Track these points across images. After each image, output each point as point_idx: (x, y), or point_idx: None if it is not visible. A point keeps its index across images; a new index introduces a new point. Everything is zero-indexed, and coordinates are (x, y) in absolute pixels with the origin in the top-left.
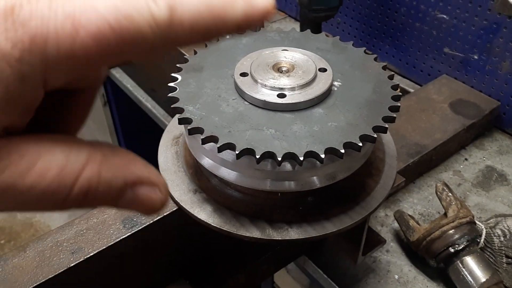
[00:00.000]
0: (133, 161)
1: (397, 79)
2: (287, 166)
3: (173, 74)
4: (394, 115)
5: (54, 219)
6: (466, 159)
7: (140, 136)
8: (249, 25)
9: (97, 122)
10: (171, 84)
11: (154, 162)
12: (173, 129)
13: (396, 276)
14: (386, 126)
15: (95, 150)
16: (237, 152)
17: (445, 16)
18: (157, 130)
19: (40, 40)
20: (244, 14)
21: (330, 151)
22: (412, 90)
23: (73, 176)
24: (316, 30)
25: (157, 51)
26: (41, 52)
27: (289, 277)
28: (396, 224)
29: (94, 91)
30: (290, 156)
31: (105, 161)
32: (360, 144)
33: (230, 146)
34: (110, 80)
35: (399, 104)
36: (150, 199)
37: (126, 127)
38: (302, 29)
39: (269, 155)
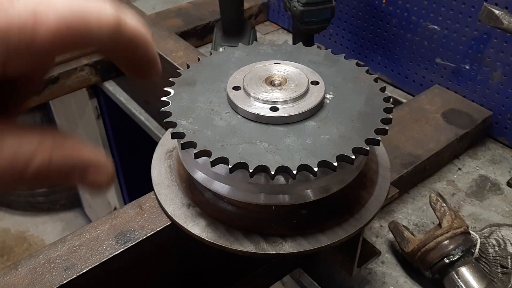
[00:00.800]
0: (82, 146)
1: (390, 90)
2: (281, 179)
3: (166, 88)
4: (387, 127)
5: (48, 233)
6: (459, 169)
7: (134, 149)
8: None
9: (90, 135)
10: (163, 98)
11: (148, 174)
12: (166, 143)
13: None
14: (379, 138)
15: (45, 136)
16: (230, 166)
17: (436, 27)
18: (151, 143)
19: (4, 31)
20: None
21: (323, 164)
22: (404, 101)
23: (25, 161)
24: (309, 42)
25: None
26: (4, 43)
27: None
28: (391, 235)
29: (41, 78)
30: (283, 170)
31: (56, 146)
32: (353, 157)
33: (223, 160)
34: (103, 93)
35: (391, 116)
36: (97, 180)
37: (119, 139)
38: (294, 41)
39: (262, 169)
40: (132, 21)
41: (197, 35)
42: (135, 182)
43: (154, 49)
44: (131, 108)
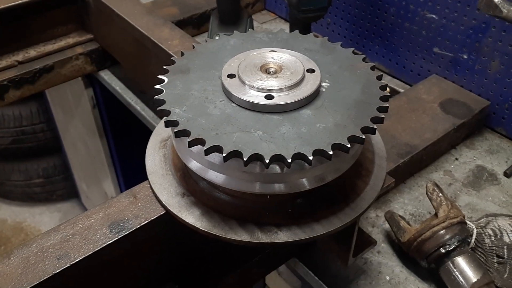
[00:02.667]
0: None
1: (387, 79)
2: (276, 168)
3: (159, 76)
4: (383, 116)
5: (45, 223)
6: (456, 159)
7: (130, 138)
8: None
9: (86, 125)
10: (157, 86)
11: (144, 164)
12: (161, 132)
13: (388, 277)
14: (375, 127)
15: None
16: (224, 155)
17: (434, 16)
18: (147, 132)
19: None
20: None
21: (318, 152)
22: (402, 90)
23: None
24: (306, 30)
25: None
26: None
27: (281, 279)
28: (387, 225)
29: None
30: (278, 158)
31: None
32: (349, 146)
33: (217, 149)
34: (99, 83)
35: (387, 105)
36: None
37: (115, 129)
38: (291, 30)
39: (256, 158)
40: None
41: (193, 24)
42: (132, 172)
43: None
44: (127, 98)
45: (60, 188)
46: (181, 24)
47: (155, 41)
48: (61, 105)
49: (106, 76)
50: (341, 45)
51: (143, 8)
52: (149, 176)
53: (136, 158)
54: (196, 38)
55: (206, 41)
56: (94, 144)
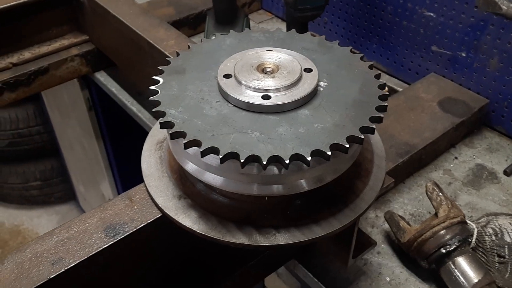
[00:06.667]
0: None
1: (385, 78)
2: (273, 169)
3: (154, 77)
4: (382, 115)
5: (42, 226)
6: (456, 158)
7: (126, 140)
8: None
9: (83, 127)
10: (152, 87)
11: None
12: (156, 133)
13: (388, 278)
14: (374, 126)
15: None
16: (221, 156)
17: (432, 14)
18: (143, 134)
19: None
20: None
21: (316, 153)
22: (400, 89)
23: None
24: (303, 29)
25: None
26: None
27: (280, 281)
28: (386, 225)
29: None
30: (275, 160)
31: None
32: (347, 146)
33: (213, 150)
34: (95, 84)
35: (386, 104)
36: None
37: (111, 131)
38: (288, 29)
39: (254, 159)
40: None
41: (189, 24)
42: (128, 174)
43: None
44: (123, 99)
45: (58, 190)
46: (177, 24)
47: (151, 41)
48: (58, 107)
49: (102, 77)
50: (338, 44)
51: (138, 8)
52: (145, 179)
53: (133, 160)
54: (193, 39)
55: (201, 41)
56: (91, 146)
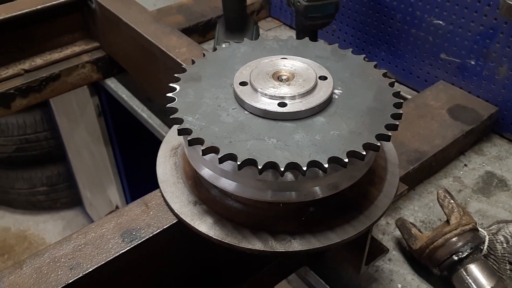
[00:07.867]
0: None
1: None
2: (289, 176)
3: (171, 84)
4: (397, 123)
5: (48, 231)
6: (465, 165)
7: (136, 147)
8: None
9: (91, 133)
10: (169, 94)
11: (151, 172)
12: (171, 140)
13: (399, 285)
14: (390, 134)
15: None
16: (238, 163)
17: (441, 22)
18: (153, 140)
19: None
20: None
21: (333, 160)
22: (409, 97)
23: None
24: (312, 37)
25: None
26: None
27: (290, 287)
28: (398, 232)
29: None
30: (293, 166)
31: None
32: (364, 153)
33: (231, 157)
34: (105, 90)
35: (401, 112)
36: None
37: (121, 137)
38: (298, 37)
39: (271, 166)
40: None
41: (199, 32)
42: (137, 180)
43: None
44: (133, 106)
45: (64, 196)
46: (187, 31)
47: (163, 49)
48: (66, 113)
49: (113, 84)
50: (352, 52)
51: (150, 16)
52: (160, 185)
53: (142, 166)
54: (202, 46)
55: (214, 49)
56: (99, 151)
